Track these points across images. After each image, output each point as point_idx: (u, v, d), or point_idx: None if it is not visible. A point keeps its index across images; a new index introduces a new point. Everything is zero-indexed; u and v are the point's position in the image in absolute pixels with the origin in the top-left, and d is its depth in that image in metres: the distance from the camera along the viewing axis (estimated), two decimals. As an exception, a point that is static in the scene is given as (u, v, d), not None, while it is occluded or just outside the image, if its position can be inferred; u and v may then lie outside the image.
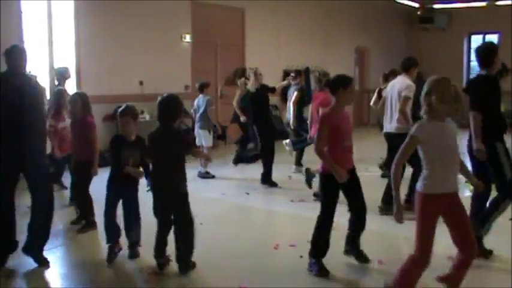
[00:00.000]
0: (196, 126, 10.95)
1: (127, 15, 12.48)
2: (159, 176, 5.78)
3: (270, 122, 10.29)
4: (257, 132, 10.00)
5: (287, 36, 16.82)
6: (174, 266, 5.81)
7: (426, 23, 21.95)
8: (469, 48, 22.74)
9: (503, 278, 5.75)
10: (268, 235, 7.11)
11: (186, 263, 5.77)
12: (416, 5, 20.99)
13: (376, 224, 7.19)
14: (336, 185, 5.65)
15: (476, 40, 22.61)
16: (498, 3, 20.21)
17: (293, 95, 11.37)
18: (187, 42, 13.95)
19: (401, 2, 20.24)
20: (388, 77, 10.69)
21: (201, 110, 10.78)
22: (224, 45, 15.02)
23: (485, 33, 22.24)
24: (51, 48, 11.55)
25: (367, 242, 6.23)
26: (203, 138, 10.67)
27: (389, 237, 7.16)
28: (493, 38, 21.92)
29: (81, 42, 11.77)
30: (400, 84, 7.98)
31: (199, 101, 10.87)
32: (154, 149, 5.82)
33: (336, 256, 6.05)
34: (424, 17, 21.68)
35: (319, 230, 5.85)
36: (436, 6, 21.41)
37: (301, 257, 6.25)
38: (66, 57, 11.70)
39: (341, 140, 5.67)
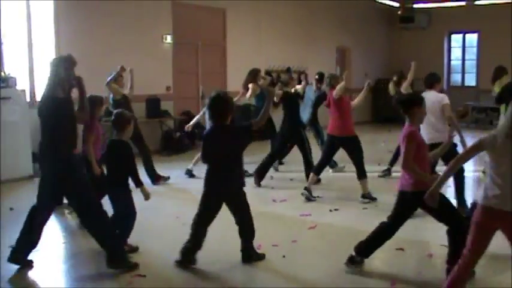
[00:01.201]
0: (208, 124, 11.03)
1: (107, 16, 12.43)
2: (217, 173, 5.88)
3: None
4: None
5: (268, 36, 16.83)
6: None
7: (407, 23, 22.03)
8: (449, 47, 22.87)
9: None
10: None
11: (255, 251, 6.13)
12: (397, 4, 21.06)
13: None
14: (419, 204, 5.53)
15: (456, 39, 22.77)
16: (477, 2, 20.34)
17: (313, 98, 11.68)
18: (168, 43, 13.92)
19: (382, 1, 20.30)
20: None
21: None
22: (205, 45, 15.00)
23: (464, 33, 22.39)
24: (31, 50, 11.48)
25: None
26: None
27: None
28: (473, 37, 22.10)
29: (61, 44, 11.70)
30: (435, 96, 7.99)
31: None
32: (210, 148, 5.87)
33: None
34: (405, 17, 21.75)
35: (381, 236, 5.84)
36: (416, 6, 21.48)
37: (283, 256, 6.27)
38: (46, 59, 11.62)
39: (424, 157, 5.63)
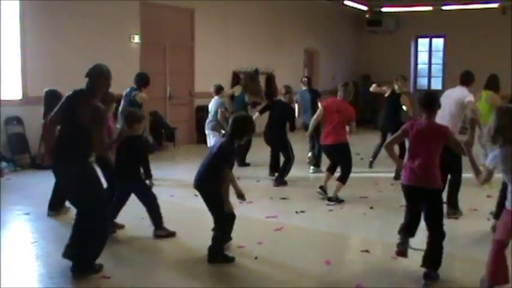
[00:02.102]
0: (207, 127, 11.30)
1: (74, 16, 12.30)
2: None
3: None
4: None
5: (236, 38, 16.82)
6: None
7: (374, 26, 22.21)
8: (416, 51, 23.10)
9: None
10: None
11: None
12: (365, 8, 21.21)
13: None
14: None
15: (423, 43, 23.00)
16: (443, 7, 20.58)
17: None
18: (136, 43, 13.83)
19: (350, 5, 20.43)
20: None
21: (213, 112, 11.16)
22: (173, 46, 14.94)
23: (431, 37, 22.64)
24: (-4, 49, 11.34)
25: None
26: (213, 139, 10.62)
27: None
28: (439, 41, 22.36)
29: (27, 43, 11.57)
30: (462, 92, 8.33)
31: (214, 102, 11.28)
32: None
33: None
34: (373, 20, 21.93)
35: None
36: (384, 9, 21.67)
37: (256, 258, 6.27)
38: (12, 59, 11.49)
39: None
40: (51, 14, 11.91)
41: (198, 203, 7.86)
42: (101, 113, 5.70)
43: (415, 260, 6.39)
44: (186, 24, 15.41)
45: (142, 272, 5.90)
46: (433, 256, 5.66)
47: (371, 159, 11.85)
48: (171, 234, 6.98)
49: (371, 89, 12.21)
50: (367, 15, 21.61)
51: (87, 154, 5.84)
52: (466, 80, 8.54)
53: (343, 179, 9.04)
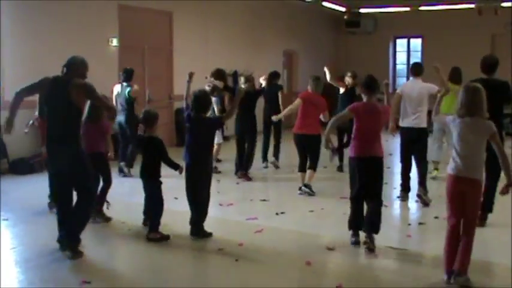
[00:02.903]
0: None
1: (52, 19, 12.22)
2: None
3: None
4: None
5: (215, 40, 16.81)
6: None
7: (353, 27, 22.31)
8: (395, 51, 23.23)
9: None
10: (193, 240, 7.08)
11: None
12: (343, 9, 21.30)
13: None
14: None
15: (401, 44, 23.14)
16: (421, 8, 20.72)
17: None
18: (115, 46, 13.76)
19: (329, 6, 20.51)
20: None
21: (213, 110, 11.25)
22: (152, 49, 14.89)
23: (409, 37, 22.79)
24: (-27, 52, 11.25)
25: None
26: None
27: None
28: (417, 41, 22.51)
29: (4, 46, 11.47)
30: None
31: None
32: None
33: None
34: (351, 21, 22.03)
35: None
36: (362, 10, 21.78)
37: (236, 260, 6.28)
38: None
39: None
40: (28, 16, 11.82)
41: (178, 206, 7.90)
42: (90, 85, 6.46)
43: (395, 259, 6.47)
44: (164, 27, 15.37)
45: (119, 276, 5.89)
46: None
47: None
48: (164, 238, 7.01)
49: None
50: (345, 17, 21.71)
51: (79, 135, 6.42)
52: (420, 71, 9.48)
53: (314, 168, 9.56)
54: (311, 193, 9.45)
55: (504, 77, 8.36)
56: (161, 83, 15.10)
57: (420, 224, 7.77)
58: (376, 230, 6.64)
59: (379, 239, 6.86)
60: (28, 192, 9.58)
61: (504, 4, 19.01)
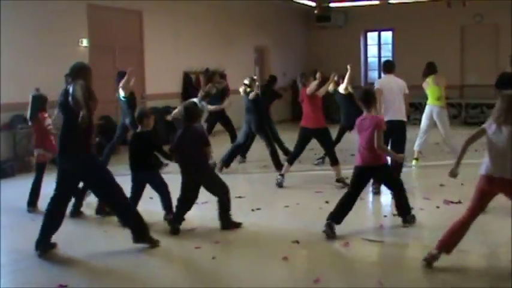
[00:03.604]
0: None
1: (20, 19, 12.08)
2: None
3: None
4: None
5: (186, 38, 16.75)
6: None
7: (324, 22, 22.32)
8: (366, 44, 23.32)
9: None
10: (170, 239, 7.07)
11: None
12: (313, 4, 21.32)
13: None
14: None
15: (372, 37, 23.23)
16: (391, 1, 20.83)
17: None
18: (85, 46, 13.65)
19: (299, 1, 20.52)
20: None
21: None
22: (122, 48, 14.79)
23: (380, 31, 22.89)
24: None
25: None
26: None
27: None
28: (388, 34, 22.62)
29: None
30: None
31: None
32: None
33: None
34: (322, 16, 22.04)
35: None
36: (332, 5, 21.78)
37: (213, 258, 6.27)
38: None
39: None
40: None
41: (153, 206, 7.88)
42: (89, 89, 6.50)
43: (373, 251, 6.52)
44: (134, 26, 15.28)
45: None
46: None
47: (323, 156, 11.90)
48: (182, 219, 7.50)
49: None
50: (315, 11, 21.72)
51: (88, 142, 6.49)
52: (392, 68, 9.85)
53: (335, 161, 9.82)
54: (344, 185, 9.47)
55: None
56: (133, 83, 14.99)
57: (395, 215, 7.81)
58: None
59: (354, 231, 6.92)
60: (7, 196, 9.52)
61: (472, -5, 19.19)
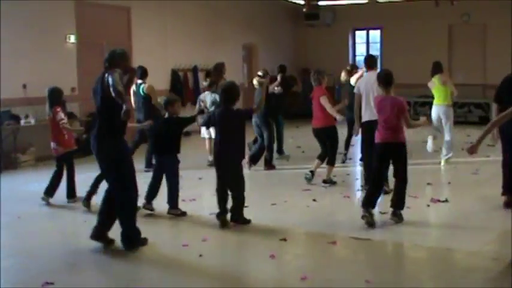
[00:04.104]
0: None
1: (7, 16, 12.01)
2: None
3: None
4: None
5: (174, 35, 16.71)
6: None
7: (312, 20, 22.32)
8: (354, 43, 23.34)
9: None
10: (157, 237, 7.03)
11: None
12: (302, 2, 21.31)
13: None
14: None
15: (360, 35, 23.27)
16: (379, 0, 20.86)
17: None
18: (72, 43, 13.59)
19: (288, -1, 20.53)
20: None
21: (208, 106, 11.24)
22: (110, 45, 14.60)
23: (368, 29, 22.91)
24: None
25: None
26: (212, 131, 10.87)
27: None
28: (376, 33, 22.66)
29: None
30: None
31: (207, 97, 11.40)
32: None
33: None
34: (310, 14, 22.03)
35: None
36: (321, 3, 21.78)
37: (200, 255, 6.26)
38: None
39: None
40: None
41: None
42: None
43: (360, 249, 6.53)
44: (122, 23, 15.23)
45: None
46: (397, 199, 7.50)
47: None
48: (183, 214, 7.91)
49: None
50: (304, 9, 21.71)
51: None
52: (374, 64, 9.92)
53: (331, 162, 9.81)
54: (331, 184, 9.74)
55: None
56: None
57: (382, 213, 7.83)
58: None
59: (341, 229, 6.94)
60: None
61: (460, -5, 19.26)
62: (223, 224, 7.37)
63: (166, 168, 7.99)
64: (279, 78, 12.38)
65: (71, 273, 5.96)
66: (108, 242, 6.59)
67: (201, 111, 9.19)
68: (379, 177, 7.54)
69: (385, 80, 7.56)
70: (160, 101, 9.32)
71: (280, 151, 12.25)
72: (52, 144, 8.86)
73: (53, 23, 13.06)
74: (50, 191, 8.76)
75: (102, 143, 6.44)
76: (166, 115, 8.12)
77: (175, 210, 7.90)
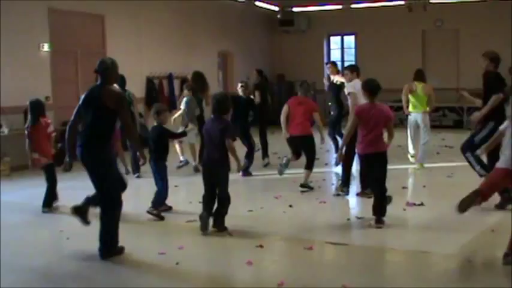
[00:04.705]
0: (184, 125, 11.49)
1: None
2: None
3: None
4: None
5: (149, 43, 16.64)
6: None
7: (287, 26, 22.41)
8: (329, 48, 23.43)
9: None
10: (133, 245, 6.98)
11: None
12: (277, 8, 21.39)
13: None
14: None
15: (335, 41, 23.38)
16: (353, 6, 20.98)
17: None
18: (46, 51, 13.48)
19: (262, 6, 20.56)
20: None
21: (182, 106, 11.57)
22: (85, 53, 14.63)
23: (343, 35, 23.03)
24: None
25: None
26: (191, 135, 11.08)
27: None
28: (350, 38, 22.79)
29: None
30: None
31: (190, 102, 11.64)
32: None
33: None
34: (285, 20, 22.11)
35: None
36: (295, 9, 21.90)
37: (177, 263, 6.23)
38: None
39: None
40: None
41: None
42: (123, 95, 6.92)
43: (337, 254, 6.55)
44: (97, 30, 15.15)
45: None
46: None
47: None
48: (160, 217, 8.09)
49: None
50: (279, 16, 21.79)
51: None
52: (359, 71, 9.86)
53: (310, 167, 9.82)
54: (309, 189, 9.77)
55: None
56: (95, 88, 14.86)
57: (358, 218, 7.86)
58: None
59: (318, 235, 6.95)
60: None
61: (432, 0, 19.44)
62: (204, 226, 7.34)
63: (157, 172, 8.40)
64: (257, 95, 12.43)
65: (47, 284, 5.90)
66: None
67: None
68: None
69: (372, 88, 7.61)
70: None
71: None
72: (35, 155, 8.77)
73: (26, 32, 12.94)
74: (50, 201, 8.77)
75: (93, 152, 6.47)
76: (155, 123, 8.58)
77: (154, 210, 8.12)
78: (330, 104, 12.73)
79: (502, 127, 6.74)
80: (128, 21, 15.90)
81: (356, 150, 7.94)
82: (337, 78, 12.28)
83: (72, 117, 6.80)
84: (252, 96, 12.23)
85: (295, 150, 10.13)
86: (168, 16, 17.37)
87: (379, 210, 7.51)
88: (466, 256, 6.34)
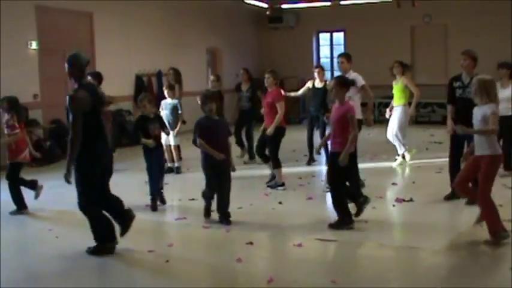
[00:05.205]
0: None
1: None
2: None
3: None
4: None
5: (137, 40, 16.58)
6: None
7: (275, 23, 22.40)
8: (318, 45, 23.45)
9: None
10: (122, 243, 6.95)
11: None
12: (265, 5, 21.38)
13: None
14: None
15: (324, 38, 23.40)
16: (342, 3, 20.99)
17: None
18: (34, 49, 13.41)
19: (250, 2, 20.54)
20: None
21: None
22: (73, 51, 14.51)
23: (332, 31, 23.05)
24: None
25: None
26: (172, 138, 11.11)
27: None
28: (339, 35, 22.80)
29: None
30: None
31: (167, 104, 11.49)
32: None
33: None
34: (273, 17, 22.10)
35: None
36: (284, 6, 21.88)
37: (167, 261, 6.22)
38: None
39: None
40: None
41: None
42: (70, 95, 6.53)
43: (326, 250, 6.56)
44: (85, 28, 15.08)
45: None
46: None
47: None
48: (153, 207, 8.45)
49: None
50: (267, 12, 21.78)
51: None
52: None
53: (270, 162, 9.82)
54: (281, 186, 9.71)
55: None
56: (84, 86, 14.81)
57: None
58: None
59: (307, 231, 6.95)
60: None
61: (421, -4, 19.50)
62: (207, 212, 7.82)
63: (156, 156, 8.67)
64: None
65: (35, 283, 5.89)
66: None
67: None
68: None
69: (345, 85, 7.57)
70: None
71: (251, 156, 12.32)
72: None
73: (14, 29, 12.87)
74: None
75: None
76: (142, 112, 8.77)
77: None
78: (312, 109, 12.15)
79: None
80: (116, 19, 15.84)
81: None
82: (320, 85, 11.92)
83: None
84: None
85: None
86: (156, 13, 17.33)
87: (355, 195, 7.65)
88: (454, 252, 6.36)
